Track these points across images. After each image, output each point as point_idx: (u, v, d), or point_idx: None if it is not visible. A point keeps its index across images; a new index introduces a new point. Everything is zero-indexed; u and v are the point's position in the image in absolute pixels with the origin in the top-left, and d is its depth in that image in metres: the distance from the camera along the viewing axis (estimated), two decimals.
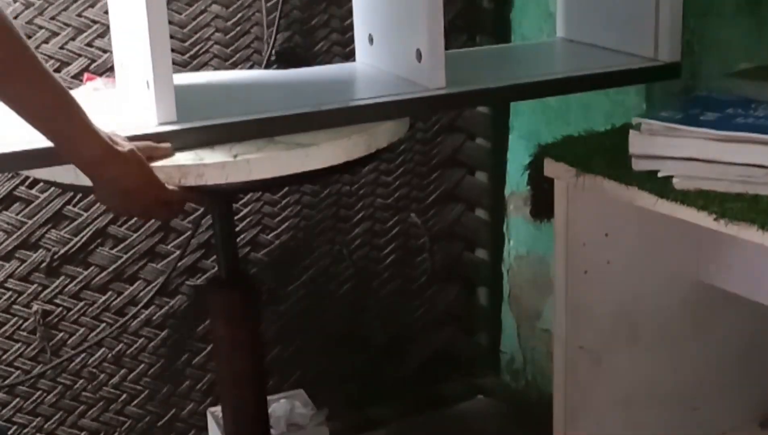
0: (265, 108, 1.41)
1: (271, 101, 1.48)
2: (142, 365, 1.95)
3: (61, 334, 1.87)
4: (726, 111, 1.25)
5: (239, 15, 1.91)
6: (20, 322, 1.83)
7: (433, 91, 1.45)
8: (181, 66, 1.89)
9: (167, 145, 1.29)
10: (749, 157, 1.17)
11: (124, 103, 1.45)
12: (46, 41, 1.74)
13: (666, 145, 1.22)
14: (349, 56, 2.02)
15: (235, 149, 1.32)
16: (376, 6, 1.59)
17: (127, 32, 1.39)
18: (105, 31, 1.75)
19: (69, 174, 1.26)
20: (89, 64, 1.78)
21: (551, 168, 1.37)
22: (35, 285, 1.83)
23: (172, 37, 1.87)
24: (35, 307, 1.84)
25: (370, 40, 1.62)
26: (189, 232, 1.94)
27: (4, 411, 1.87)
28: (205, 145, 1.33)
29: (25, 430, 1.89)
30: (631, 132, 1.24)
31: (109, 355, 1.91)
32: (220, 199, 1.54)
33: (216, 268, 1.93)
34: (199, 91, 1.60)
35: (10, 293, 1.81)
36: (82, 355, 1.89)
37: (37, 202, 1.80)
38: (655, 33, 1.53)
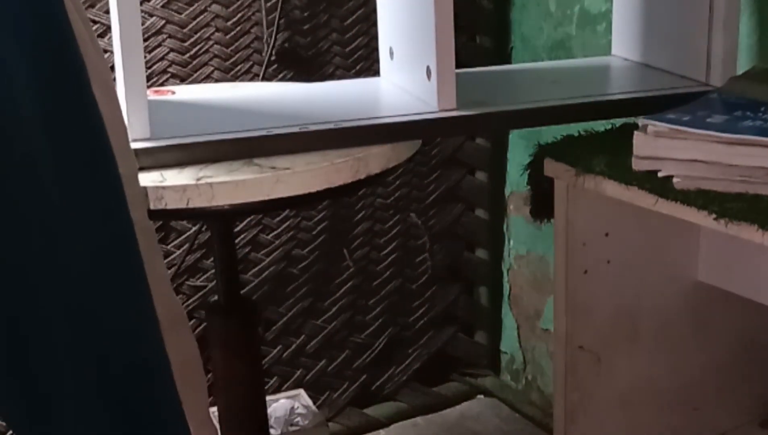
0: (249, 126, 1.32)
1: (258, 119, 1.37)
2: None
3: None
4: (734, 113, 1.24)
5: (239, 15, 1.91)
6: None
7: (440, 113, 1.36)
8: (181, 66, 1.89)
9: None
10: (755, 160, 1.16)
11: None
12: None
13: (671, 147, 1.21)
14: (349, 57, 2.02)
15: (205, 171, 1.23)
16: (395, 17, 1.50)
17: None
18: (105, 31, 1.75)
19: None
20: None
21: (551, 168, 1.37)
22: None
23: (172, 37, 1.88)
24: None
25: (391, 54, 1.53)
26: (190, 232, 1.94)
27: None
28: (177, 165, 1.25)
29: None
30: (636, 133, 1.23)
31: None
32: (218, 221, 1.50)
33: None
34: (184, 106, 1.52)
35: None
36: None
37: None
38: (707, 57, 1.47)
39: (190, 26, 1.89)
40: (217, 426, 1.59)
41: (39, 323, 0.87)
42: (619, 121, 1.45)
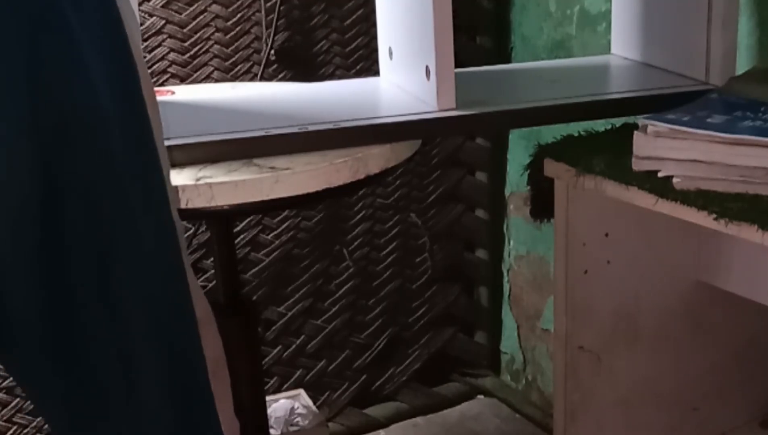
0: (248, 126, 1.32)
1: (258, 119, 1.38)
2: None
3: None
4: (734, 113, 1.24)
5: (239, 15, 1.91)
6: None
7: (439, 113, 1.36)
8: (181, 66, 1.89)
9: None
10: (755, 160, 1.16)
11: None
12: None
13: (671, 147, 1.21)
14: (349, 57, 2.02)
15: (204, 171, 1.23)
16: (394, 17, 1.50)
17: None
18: None
19: None
20: None
21: (551, 168, 1.37)
22: None
23: (172, 37, 1.88)
24: None
25: (390, 53, 1.53)
26: (190, 232, 1.94)
27: (4, 411, 1.87)
28: (176, 165, 1.24)
29: (25, 430, 1.89)
30: (636, 133, 1.23)
31: None
32: (218, 222, 1.50)
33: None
34: (183, 107, 1.52)
35: None
36: None
37: None
38: (706, 55, 1.46)
39: (190, 26, 1.89)
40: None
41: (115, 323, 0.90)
42: (619, 121, 1.45)
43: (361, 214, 2.11)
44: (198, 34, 1.89)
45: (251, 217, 1.99)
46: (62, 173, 0.84)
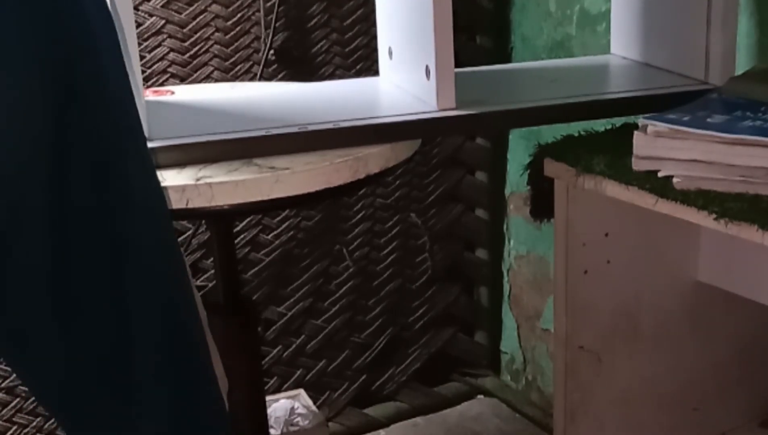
0: (248, 126, 1.32)
1: (257, 119, 1.37)
2: None
3: None
4: (734, 113, 1.24)
5: (239, 15, 1.91)
6: None
7: (439, 113, 1.36)
8: (181, 66, 1.89)
9: None
10: (755, 160, 1.16)
11: None
12: None
13: (671, 147, 1.21)
14: (349, 57, 2.02)
15: (204, 171, 1.23)
16: (394, 17, 1.50)
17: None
18: None
19: None
20: None
21: (551, 168, 1.37)
22: None
23: (172, 37, 1.88)
24: None
25: (390, 53, 1.53)
26: (189, 232, 1.94)
27: (4, 411, 1.87)
28: (174, 165, 1.24)
29: (25, 430, 1.89)
30: (636, 133, 1.23)
31: None
32: (218, 221, 1.50)
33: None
34: (183, 107, 1.52)
35: None
36: None
37: None
38: (706, 55, 1.47)
39: (190, 26, 1.89)
40: None
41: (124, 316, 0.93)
42: (618, 121, 1.45)
43: (361, 214, 2.11)
44: (198, 34, 1.89)
45: (251, 217, 1.99)
46: (71, 124, 0.87)
